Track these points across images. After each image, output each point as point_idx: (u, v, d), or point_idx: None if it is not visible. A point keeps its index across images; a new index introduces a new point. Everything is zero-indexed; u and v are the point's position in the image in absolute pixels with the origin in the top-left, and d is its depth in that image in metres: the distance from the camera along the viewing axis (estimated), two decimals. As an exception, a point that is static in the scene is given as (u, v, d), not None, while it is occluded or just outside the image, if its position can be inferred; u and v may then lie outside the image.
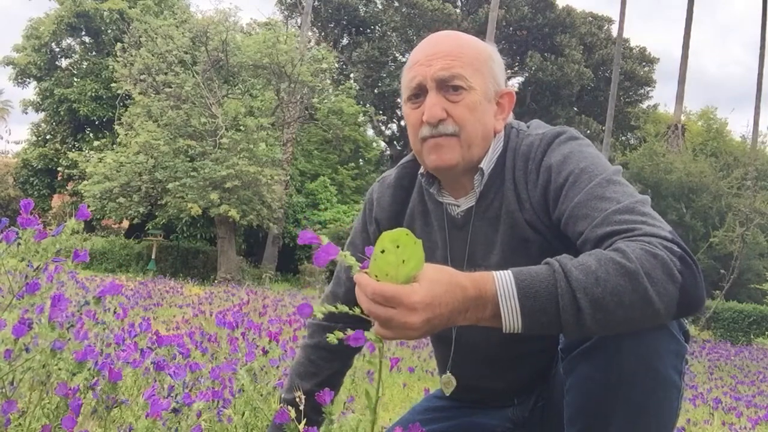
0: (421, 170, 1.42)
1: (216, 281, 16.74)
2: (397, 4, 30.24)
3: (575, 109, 31.58)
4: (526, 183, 1.31)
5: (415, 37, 29.82)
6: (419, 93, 1.32)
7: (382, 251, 0.91)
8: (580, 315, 0.98)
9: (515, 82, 30.63)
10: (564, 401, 1.20)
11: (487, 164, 1.33)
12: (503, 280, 1.00)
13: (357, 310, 0.96)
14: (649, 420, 1.11)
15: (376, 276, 0.93)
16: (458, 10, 30.34)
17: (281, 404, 1.55)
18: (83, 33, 24.21)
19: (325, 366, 1.55)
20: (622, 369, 1.08)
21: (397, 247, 0.90)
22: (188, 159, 17.34)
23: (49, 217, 21.77)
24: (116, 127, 18.65)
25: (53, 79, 23.54)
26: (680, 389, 1.14)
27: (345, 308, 0.96)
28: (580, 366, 1.14)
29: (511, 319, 0.99)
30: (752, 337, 15.89)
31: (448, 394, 1.42)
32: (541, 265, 1.03)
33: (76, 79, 23.66)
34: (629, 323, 1.01)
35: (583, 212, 1.16)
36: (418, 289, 0.94)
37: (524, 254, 1.30)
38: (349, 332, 0.98)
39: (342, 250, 0.95)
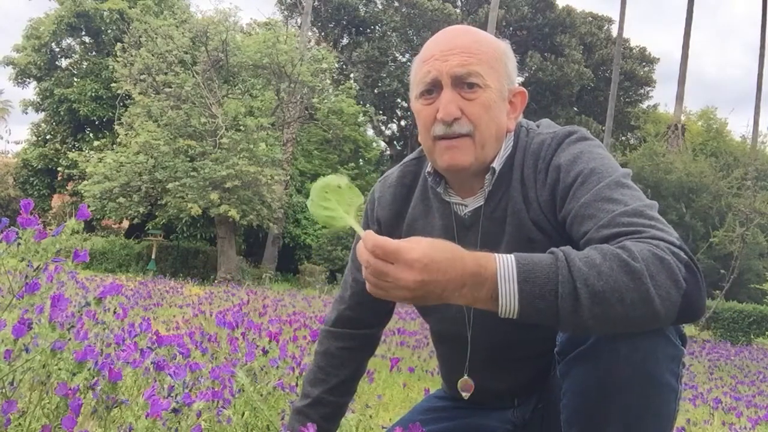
0: (428, 169, 1.38)
1: (216, 281, 16.72)
2: (397, 4, 30.23)
3: (575, 109, 31.57)
4: (535, 182, 1.29)
5: (415, 37, 29.83)
6: (433, 89, 1.28)
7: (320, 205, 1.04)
8: (578, 306, 0.97)
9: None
10: (561, 404, 1.19)
11: (498, 164, 1.31)
12: (505, 263, 1.00)
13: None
14: (645, 424, 1.10)
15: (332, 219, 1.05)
16: (458, 10, 30.33)
17: (292, 411, 1.57)
18: (83, 33, 24.18)
19: (334, 372, 1.53)
20: (617, 373, 1.07)
21: (326, 193, 1.04)
22: (188, 159, 17.33)
23: (49, 217, 21.76)
24: (116, 127, 18.65)
25: (53, 79, 23.51)
26: (677, 393, 1.13)
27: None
28: (576, 369, 1.13)
29: (508, 301, 0.98)
30: (752, 337, 15.88)
31: (467, 398, 1.41)
32: (545, 253, 1.02)
33: (76, 79, 23.63)
34: (627, 323, 0.99)
35: (589, 212, 1.14)
36: (417, 247, 0.95)
37: None
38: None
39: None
